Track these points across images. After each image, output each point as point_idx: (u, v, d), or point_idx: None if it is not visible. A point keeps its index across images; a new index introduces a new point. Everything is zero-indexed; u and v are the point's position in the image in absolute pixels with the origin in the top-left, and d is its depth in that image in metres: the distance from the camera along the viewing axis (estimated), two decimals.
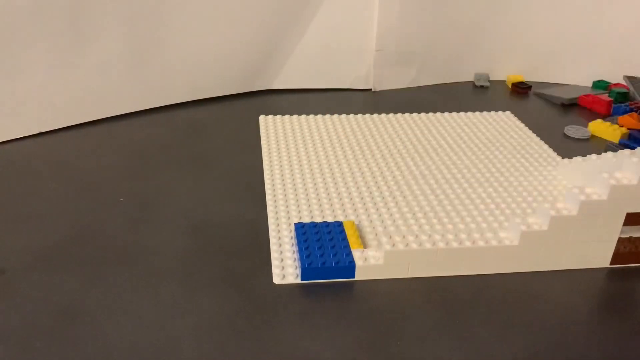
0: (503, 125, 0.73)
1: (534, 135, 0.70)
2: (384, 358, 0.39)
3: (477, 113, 0.77)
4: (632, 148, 0.59)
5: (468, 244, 0.45)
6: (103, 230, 0.51)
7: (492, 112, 0.77)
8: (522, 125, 0.73)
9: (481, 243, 0.46)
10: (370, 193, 0.56)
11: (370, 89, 0.86)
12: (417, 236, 0.46)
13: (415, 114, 0.76)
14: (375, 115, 0.75)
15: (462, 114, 0.76)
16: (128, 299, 0.43)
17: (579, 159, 0.58)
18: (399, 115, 0.75)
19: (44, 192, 0.57)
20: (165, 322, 0.41)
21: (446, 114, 0.76)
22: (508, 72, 0.90)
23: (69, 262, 0.47)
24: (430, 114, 0.76)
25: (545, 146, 0.68)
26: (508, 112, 0.77)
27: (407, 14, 0.82)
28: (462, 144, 0.67)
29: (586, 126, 0.74)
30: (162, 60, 0.74)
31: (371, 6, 0.80)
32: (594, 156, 0.56)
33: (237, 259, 0.48)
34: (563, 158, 0.61)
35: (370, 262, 0.45)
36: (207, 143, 0.68)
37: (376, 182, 0.58)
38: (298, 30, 0.81)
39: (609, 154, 0.54)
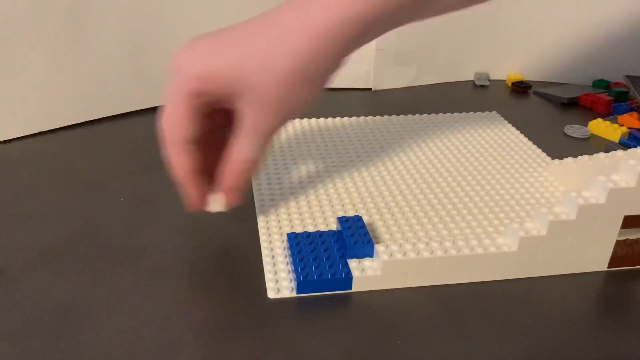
0: (490, 126, 0.73)
1: (522, 136, 0.70)
2: None
3: (464, 114, 0.77)
4: (633, 147, 0.59)
5: (466, 251, 0.45)
6: (103, 229, 0.52)
7: (478, 113, 0.77)
8: (509, 125, 0.73)
9: (479, 250, 0.45)
10: (362, 200, 0.56)
11: (371, 89, 0.86)
12: (414, 245, 0.45)
13: (402, 116, 0.75)
14: (362, 118, 0.74)
15: (448, 114, 0.76)
16: (127, 299, 0.44)
17: (569, 159, 0.58)
18: (385, 117, 0.75)
19: (44, 191, 0.57)
20: (166, 322, 0.41)
21: (432, 115, 0.76)
22: (508, 71, 0.90)
23: (69, 261, 0.47)
24: (417, 115, 0.76)
25: (534, 147, 0.67)
26: (494, 112, 0.77)
27: None
28: (450, 146, 0.67)
29: (586, 125, 0.74)
30: (163, 59, 0.74)
31: None
32: (585, 157, 0.56)
33: (237, 261, 0.48)
34: (563, 157, 0.61)
35: (367, 273, 0.45)
36: None
37: (367, 189, 0.58)
38: None
39: (601, 155, 0.54)
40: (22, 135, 0.68)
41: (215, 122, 0.45)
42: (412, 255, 0.45)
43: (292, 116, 0.42)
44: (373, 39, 0.42)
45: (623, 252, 0.48)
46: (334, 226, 0.51)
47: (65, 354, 0.39)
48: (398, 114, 0.76)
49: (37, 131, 0.69)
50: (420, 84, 0.89)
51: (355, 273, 0.44)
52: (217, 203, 0.49)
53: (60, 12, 0.65)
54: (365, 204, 0.55)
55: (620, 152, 0.52)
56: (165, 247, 0.49)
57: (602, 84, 0.87)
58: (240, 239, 0.51)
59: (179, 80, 0.41)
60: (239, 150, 0.44)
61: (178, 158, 0.43)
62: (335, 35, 0.39)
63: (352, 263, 0.45)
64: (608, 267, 0.48)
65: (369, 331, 0.41)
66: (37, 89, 0.67)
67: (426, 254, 0.45)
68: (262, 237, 0.50)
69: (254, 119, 0.41)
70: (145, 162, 0.63)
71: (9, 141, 0.67)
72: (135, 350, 0.39)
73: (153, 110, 0.76)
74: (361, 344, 0.40)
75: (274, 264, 0.47)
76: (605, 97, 0.81)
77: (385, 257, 0.44)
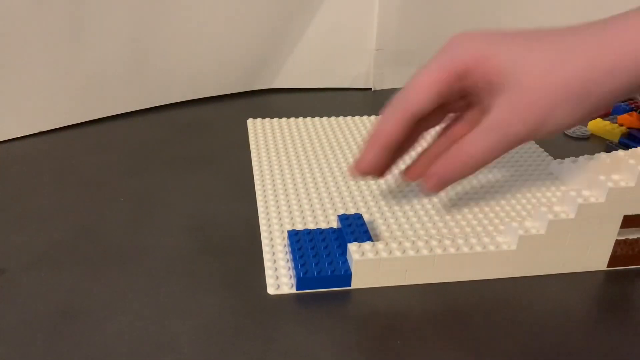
0: None
1: None
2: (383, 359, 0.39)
3: None
4: (633, 147, 0.59)
5: (466, 249, 0.45)
6: (103, 229, 0.52)
7: None
8: None
9: (479, 248, 0.45)
10: (363, 197, 0.56)
11: (370, 89, 0.86)
12: (413, 242, 0.45)
13: None
14: (362, 118, 0.74)
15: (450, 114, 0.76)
16: (128, 298, 0.44)
17: (570, 159, 0.58)
18: None
19: (44, 191, 0.57)
20: (165, 321, 0.41)
21: None
22: None
23: (69, 261, 0.48)
24: None
25: (536, 146, 0.67)
26: None
27: (407, 12, 0.82)
28: None
29: (586, 125, 0.74)
30: (162, 59, 0.75)
31: (371, 5, 0.80)
32: (586, 157, 0.56)
33: (237, 259, 0.48)
34: (563, 157, 0.61)
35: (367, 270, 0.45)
36: (207, 142, 0.68)
37: (368, 187, 0.58)
38: (298, 29, 0.81)
39: (602, 154, 0.54)
40: (22, 135, 0.68)
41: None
42: (412, 252, 0.45)
43: (540, 132, 0.39)
44: None
45: (622, 252, 0.48)
46: (334, 224, 0.52)
47: (65, 354, 0.39)
48: None
49: (37, 131, 0.69)
50: None
51: (355, 256, 0.44)
52: (404, 178, 0.48)
53: (60, 13, 0.65)
54: (366, 202, 0.55)
55: (621, 152, 0.52)
56: (165, 247, 0.49)
57: None
58: (241, 236, 0.51)
59: (452, 56, 0.40)
60: (471, 142, 0.41)
61: (393, 123, 0.42)
62: (622, 70, 0.37)
63: (352, 247, 0.45)
64: (607, 267, 0.48)
65: (367, 328, 0.41)
66: (37, 89, 0.67)
67: (425, 252, 0.45)
68: (263, 234, 0.50)
69: (503, 118, 0.39)
70: (145, 162, 0.63)
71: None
72: (135, 350, 0.39)
73: (153, 110, 0.77)
74: (360, 341, 0.40)
75: (274, 261, 0.47)
76: None
77: (384, 254, 0.44)
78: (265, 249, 0.49)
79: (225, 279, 0.46)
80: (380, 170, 0.46)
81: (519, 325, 0.42)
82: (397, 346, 0.40)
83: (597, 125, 0.73)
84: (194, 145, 0.68)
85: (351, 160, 0.63)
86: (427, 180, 0.45)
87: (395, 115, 0.42)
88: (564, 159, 0.60)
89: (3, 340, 0.39)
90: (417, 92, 0.41)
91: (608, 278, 0.48)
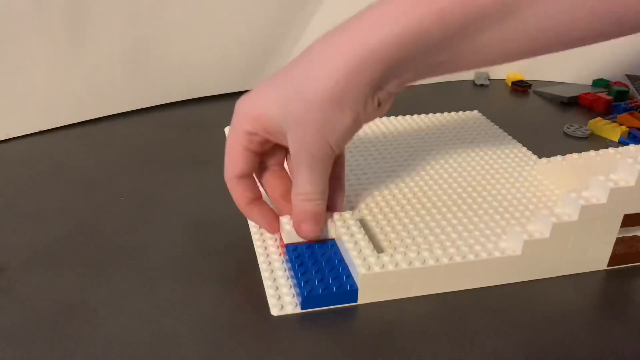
0: (472, 125, 0.71)
1: (505, 134, 0.69)
2: None
3: (445, 114, 0.75)
4: None
5: (471, 257, 0.45)
6: (103, 228, 0.52)
7: (460, 112, 0.75)
8: (492, 124, 0.72)
9: (484, 255, 0.45)
10: (358, 205, 0.54)
11: None
12: (418, 253, 0.44)
13: (392, 117, 0.73)
14: None
15: (430, 115, 0.74)
16: (127, 298, 0.44)
17: (558, 157, 0.57)
18: (384, 118, 0.73)
19: (44, 191, 0.57)
20: (165, 321, 0.41)
21: (423, 115, 0.74)
22: (508, 70, 0.90)
23: (69, 260, 0.48)
24: (408, 116, 0.74)
25: (519, 145, 0.66)
26: (475, 112, 0.75)
27: None
28: (436, 147, 0.65)
29: (586, 124, 0.74)
30: (162, 58, 0.74)
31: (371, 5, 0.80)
32: (575, 155, 0.56)
33: (237, 258, 0.48)
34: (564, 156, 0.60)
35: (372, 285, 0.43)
36: (207, 142, 0.68)
37: (361, 194, 0.56)
38: (298, 29, 0.81)
39: (592, 152, 0.53)
40: (22, 134, 0.68)
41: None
42: (417, 264, 0.43)
43: (335, 138, 0.42)
44: (409, 77, 0.44)
45: (622, 250, 0.48)
46: (333, 234, 0.49)
47: (65, 354, 0.39)
48: (397, 115, 0.75)
49: (37, 130, 0.69)
50: (420, 83, 0.88)
51: (361, 270, 0.43)
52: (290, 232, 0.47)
53: (60, 12, 0.65)
54: (359, 211, 0.53)
55: (611, 150, 0.51)
56: (165, 247, 0.49)
57: (602, 83, 0.87)
58: (240, 237, 0.51)
59: (236, 121, 0.44)
60: (295, 184, 0.44)
61: (233, 190, 0.46)
62: (361, 67, 0.40)
63: (357, 260, 0.44)
64: (607, 266, 0.48)
65: (375, 342, 0.41)
66: (37, 89, 0.67)
67: (431, 262, 0.44)
68: (258, 251, 0.48)
69: (299, 145, 0.42)
70: (145, 161, 0.63)
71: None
72: (136, 350, 0.39)
73: (153, 109, 0.76)
74: (365, 336, 0.40)
75: (274, 279, 0.45)
76: (605, 96, 0.81)
77: (390, 267, 0.43)
78: (263, 266, 0.46)
79: (226, 279, 0.46)
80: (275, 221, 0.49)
81: (527, 333, 0.42)
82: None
83: (597, 124, 0.73)
84: (194, 145, 0.68)
85: (349, 159, 0.62)
86: (299, 229, 0.46)
87: (230, 182, 0.46)
88: (550, 157, 0.59)
89: (3, 340, 0.39)
90: (226, 158, 0.45)
91: (609, 277, 0.48)
